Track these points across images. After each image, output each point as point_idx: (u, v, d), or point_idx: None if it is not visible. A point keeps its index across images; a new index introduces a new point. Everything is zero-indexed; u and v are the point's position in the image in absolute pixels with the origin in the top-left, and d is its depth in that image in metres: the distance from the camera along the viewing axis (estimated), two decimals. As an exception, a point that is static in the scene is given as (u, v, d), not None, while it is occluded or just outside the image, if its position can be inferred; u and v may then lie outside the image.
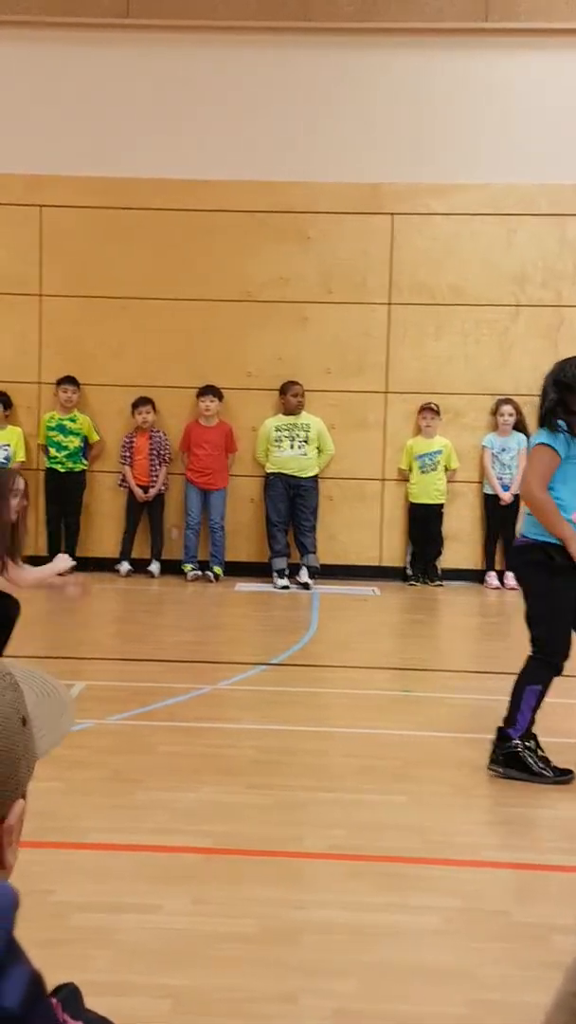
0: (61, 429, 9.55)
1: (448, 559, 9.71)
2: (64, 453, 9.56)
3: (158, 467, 9.62)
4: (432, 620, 8.53)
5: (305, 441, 9.52)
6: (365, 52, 9.55)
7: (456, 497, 9.76)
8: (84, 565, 9.57)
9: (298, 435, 9.51)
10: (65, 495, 9.55)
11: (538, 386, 4.68)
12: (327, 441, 9.61)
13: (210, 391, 9.55)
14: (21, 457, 9.57)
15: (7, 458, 9.50)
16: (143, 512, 9.69)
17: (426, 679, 6.35)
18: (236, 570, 9.63)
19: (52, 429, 9.56)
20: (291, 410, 9.55)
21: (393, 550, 9.78)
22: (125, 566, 9.56)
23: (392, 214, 9.65)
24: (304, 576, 9.34)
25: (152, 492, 9.61)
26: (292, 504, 9.51)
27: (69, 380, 9.55)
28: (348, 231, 9.68)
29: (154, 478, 9.62)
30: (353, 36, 9.54)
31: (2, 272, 9.67)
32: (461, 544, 9.75)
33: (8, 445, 9.57)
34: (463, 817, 4.16)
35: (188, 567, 9.53)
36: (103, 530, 9.81)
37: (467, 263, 9.65)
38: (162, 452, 9.62)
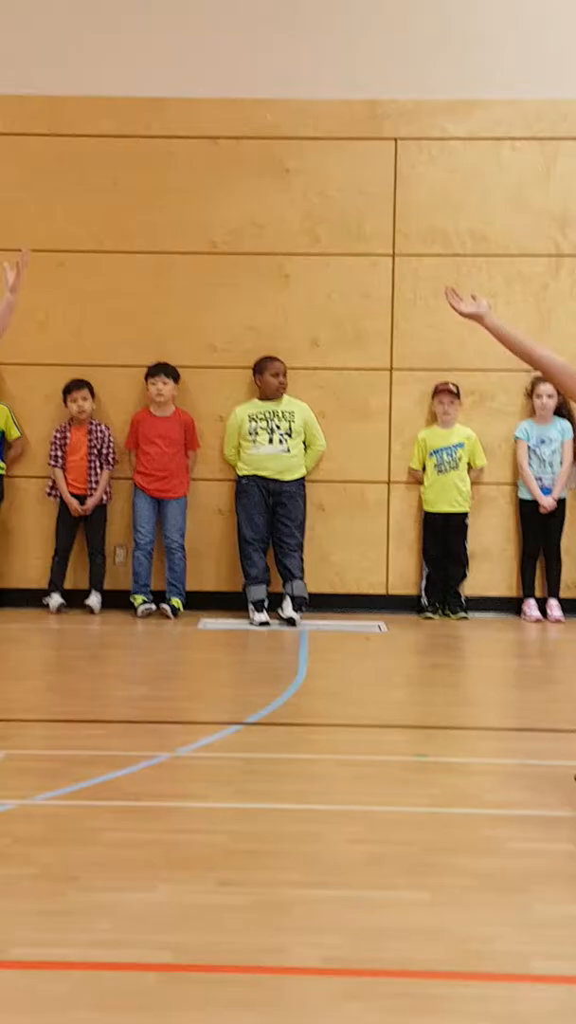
0: None
1: (474, 584, 9.73)
2: None
3: (99, 470, 9.62)
4: (454, 663, 8.53)
5: (288, 434, 9.53)
6: None
7: (483, 504, 9.79)
8: (0, 599, 9.57)
9: (279, 425, 9.53)
10: None
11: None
12: (316, 433, 9.63)
13: (163, 370, 9.56)
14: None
15: None
16: (79, 529, 9.67)
17: (447, 740, 6.33)
18: (200, 602, 9.63)
19: None
20: (269, 394, 9.57)
21: (403, 573, 9.79)
22: (56, 599, 9.54)
23: (395, 139, 9.70)
24: (288, 609, 9.34)
25: (91, 503, 9.61)
26: (272, 516, 9.51)
27: None
28: (339, 162, 9.71)
29: (93, 485, 9.62)
30: None
31: None
32: (491, 564, 9.77)
33: None
34: (499, 918, 4.15)
35: (139, 599, 9.51)
36: (26, 553, 9.79)
37: (493, 201, 9.69)
38: (104, 451, 9.62)
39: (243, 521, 9.54)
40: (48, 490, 9.73)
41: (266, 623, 9.23)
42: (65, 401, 9.65)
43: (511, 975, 3.70)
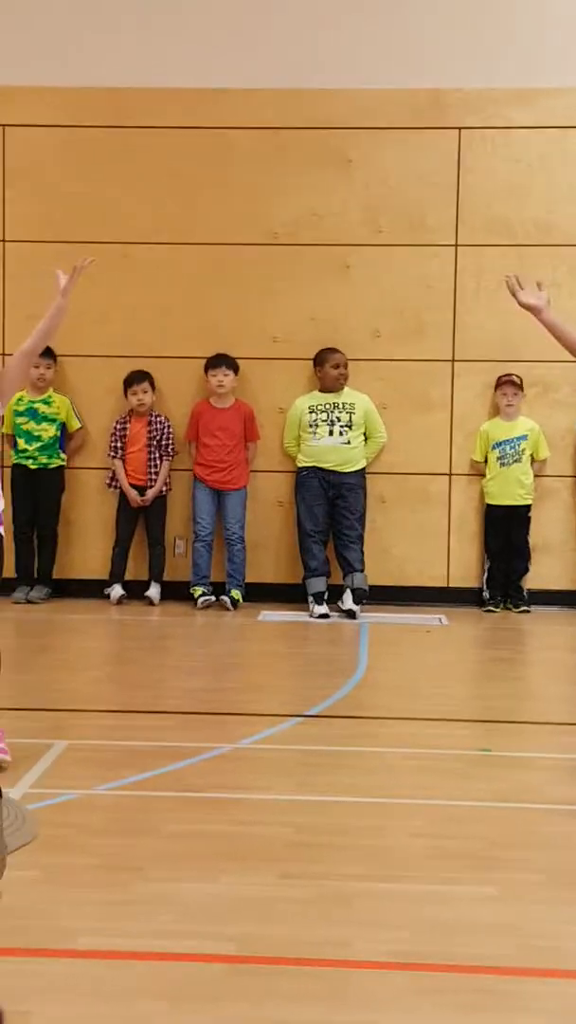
0: (32, 414, 9.59)
1: (536, 577, 9.67)
2: (36, 445, 9.59)
3: (158, 461, 9.64)
4: (517, 656, 8.48)
5: (348, 425, 9.50)
6: None
7: (547, 496, 9.72)
8: (62, 590, 9.63)
9: (339, 417, 9.50)
10: (38, 499, 9.56)
11: None
12: (377, 425, 9.60)
13: (223, 362, 9.56)
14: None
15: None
16: (139, 520, 9.70)
17: (511, 734, 6.31)
18: (260, 594, 9.63)
19: (21, 415, 9.60)
20: (329, 386, 9.55)
21: (465, 566, 9.75)
22: (117, 591, 9.57)
23: (459, 128, 9.65)
24: (348, 602, 9.32)
25: (151, 494, 9.63)
26: (332, 508, 9.50)
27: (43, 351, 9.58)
28: (401, 152, 9.67)
29: (153, 476, 9.64)
30: None
31: (-46, 211, 9.73)
32: (553, 557, 9.71)
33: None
34: (566, 914, 4.12)
35: (198, 591, 9.53)
36: (87, 544, 9.84)
37: (558, 191, 9.63)
38: (163, 442, 9.64)
39: (303, 513, 9.53)
40: (108, 482, 9.76)
41: (326, 615, 9.22)
42: (126, 393, 9.67)
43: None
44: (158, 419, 9.68)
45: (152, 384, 9.67)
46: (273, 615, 9.30)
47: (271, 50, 9.62)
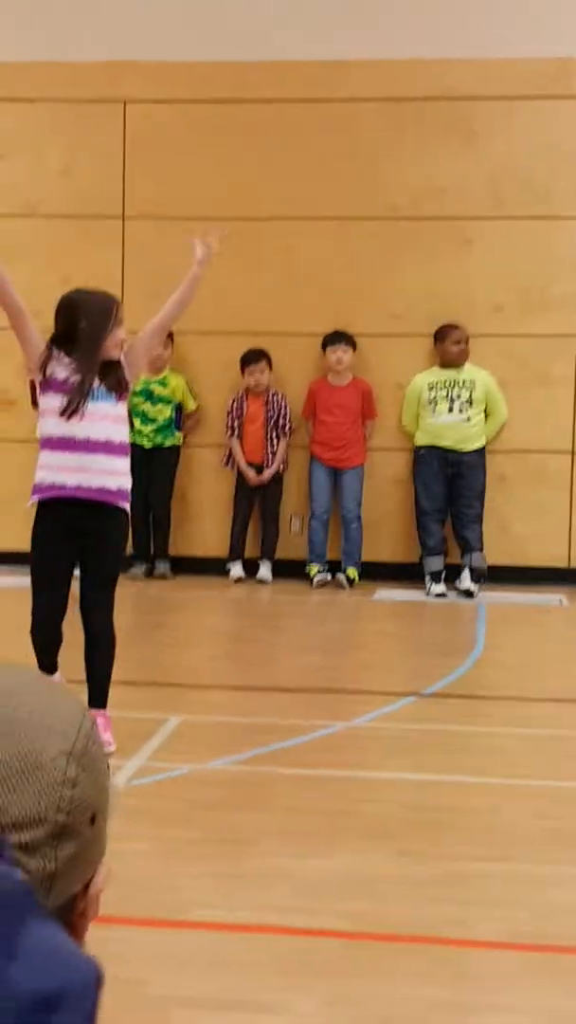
0: (148, 395, 9.63)
1: None
2: (152, 427, 9.64)
3: (276, 440, 9.64)
4: None
5: (469, 402, 9.42)
6: None
7: None
8: (179, 567, 9.69)
9: (459, 395, 9.42)
10: (153, 478, 9.60)
11: None
12: (498, 402, 9.50)
13: (342, 339, 9.54)
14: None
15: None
16: (256, 498, 9.73)
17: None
18: (376, 573, 9.60)
19: (137, 395, 9.62)
20: (450, 361, 9.47)
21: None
22: (237, 569, 9.59)
23: (585, 99, 9.50)
24: (466, 581, 9.26)
25: (268, 474, 9.64)
26: (451, 486, 9.43)
27: None
28: (527, 123, 9.55)
29: (271, 455, 9.65)
30: None
31: (75, 188, 9.81)
32: None
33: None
34: None
35: (314, 569, 9.53)
36: (204, 522, 9.88)
37: None
38: (280, 421, 9.64)
39: (421, 492, 9.47)
40: (224, 460, 9.79)
41: (443, 595, 9.17)
42: (243, 372, 9.68)
43: None
44: (275, 397, 9.67)
45: (269, 363, 9.65)
46: (389, 594, 9.27)
47: (394, 20, 9.54)
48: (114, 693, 5.48)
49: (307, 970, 3.49)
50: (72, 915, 1.26)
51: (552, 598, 9.17)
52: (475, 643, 7.78)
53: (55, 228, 9.81)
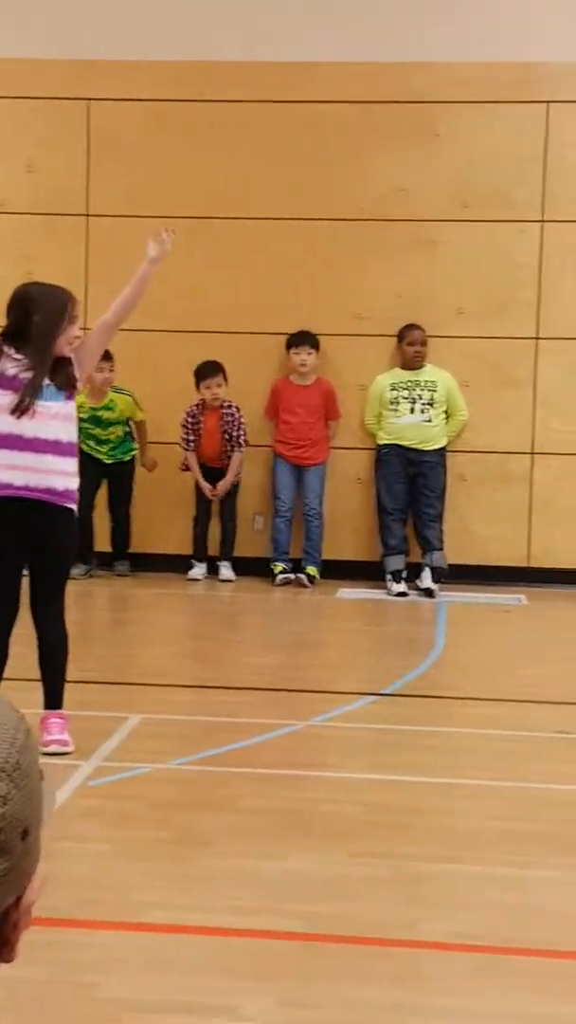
0: (96, 422, 9.38)
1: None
2: (107, 447, 9.51)
3: (231, 452, 9.52)
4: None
5: (430, 403, 9.43)
6: None
7: None
8: (141, 565, 9.64)
9: (420, 396, 9.43)
10: (113, 482, 9.51)
11: None
12: (459, 403, 9.51)
13: (306, 340, 9.51)
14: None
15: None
16: (215, 500, 9.62)
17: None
18: (339, 572, 9.60)
19: (85, 422, 8.84)
20: (407, 363, 9.46)
21: (547, 547, 9.65)
22: (198, 571, 9.53)
23: (548, 103, 9.51)
24: (427, 580, 9.27)
25: (221, 487, 9.49)
26: (412, 486, 9.44)
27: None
28: (491, 126, 9.56)
29: (227, 463, 9.52)
30: None
31: (40, 185, 9.76)
32: None
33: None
34: None
35: (278, 567, 9.48)
36: (165, 519, 9.83)
37: None
38: (235, 434, 9.48)
39: (383, 491, 9.48)
40: (182, 466, 9.62)
41: (404, 594, 9.18)
42: (198, 386, 9.39)
43: None
44: (229, 411, 9.49)
45: (225, 376, 9.46)
46: (351, 593, 9.27)
47: (360, 23, 9.53)
48: (73, 692, 5.46)
49: (260, 972, 3.48)
50: (4, 927, 1.25)
51: (512, 598, 9.19)
52: (435, 643, 7.79)
53: (20, 225, 9.77)
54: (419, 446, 9.42)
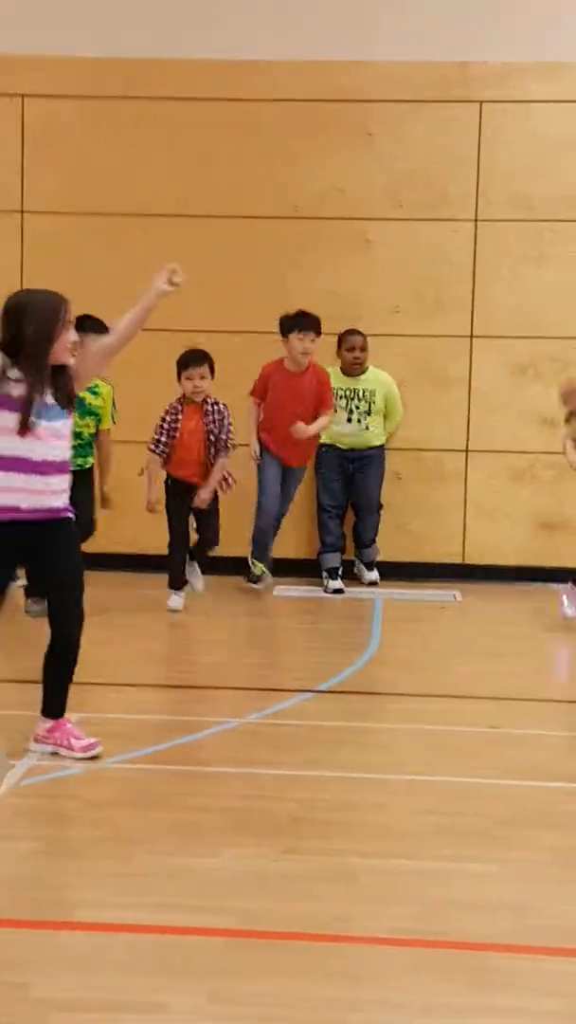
0: (79, 405, 8.38)
1: (552, 553, 9.61)
2: (75, 442, 8.54)
3: (213, 456, 8.40)
4: (534, 633, 8.41)
5: (367, 412, 9.40)
6: None
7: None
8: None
9: (358, 406, 9.37)
10: (77, 494, 8.57)
11: None
12: (396, 407, 9.49)
13: (312, 325, 8.77)
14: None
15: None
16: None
17: (521, 711, 6.29)
18: (276, 569, 9.58)
19: None
20: (348, 369, 9.39)
21: (482, 544, 9.70)
22: (179, 600, 8.48)
23: (481, 102, 9.56)
24: (367, 574, 9.34)
25: (206, 495, 8.39)
26: (350, 483, 9.44)
27: (85, 322, 7.73)
28: (423, 126, 9.60)
29: (205, 473, 8.41)
30: None
31: (-27, 182, 9.70)
32: (566, 535, 9.64)
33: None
34: (570, 893, 4.10)
35: (258, 567, 9.08)
36: (124, 517, 9.24)
37: (580, 166, 9.53)
38: (220, 436, 8.36)
39: (321, 489, 9.49)
40: (141, 471, 8.47)
41: (340, 591, 9.18)
42: (179, 377, 8.31)
43: (580, 951, 3.66)
44: (216, 407, 8.35)
45: (212, 368, 8.31)
46: (288, 591, 9.27)
47: (294, 22, 9.53)
48: (9, 691, 5.43)
49: (192, 969, 3.47)
50: None
51: (447, 594, 9.23)
52: (371, 639, 7.80)
53: (-46, 223, 9.69)
54: (356, 446, 9.43)
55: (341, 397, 9.35)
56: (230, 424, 8.43)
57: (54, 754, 5.22)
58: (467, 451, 9.71)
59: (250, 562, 9.08)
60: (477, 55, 9.50)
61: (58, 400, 5.09)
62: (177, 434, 8.33)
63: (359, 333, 9.39)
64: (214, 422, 8.35)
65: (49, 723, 5.30)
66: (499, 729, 5.89)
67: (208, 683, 6.68)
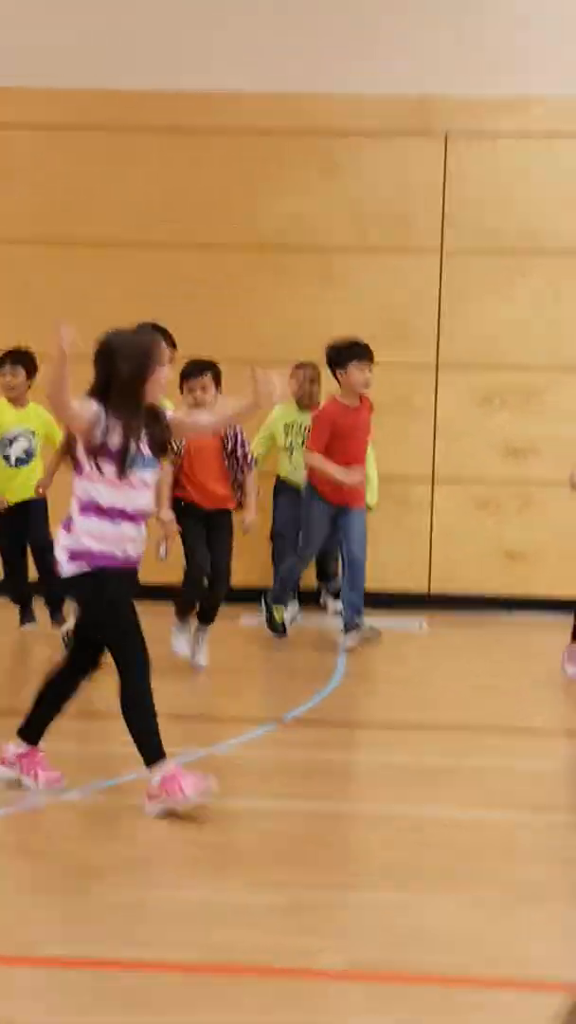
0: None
1: (518, 582, 9.63)
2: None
3: (241, 474, 7.64)
4: (499, 663, 8.41)
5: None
6: None
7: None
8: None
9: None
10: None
11: None
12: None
13: (367, 354, 8.28)
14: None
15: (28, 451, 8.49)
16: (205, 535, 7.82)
17: (486, 742, 6.28)
18: (241, 597, 9.54)
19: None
20: (297, 401, 9.09)
21: (447, 573, 9.71)
22: (184, 643, 7.86)
23: (445, 135, 9.62)
24: (334, 604, 9.31)
25: (250, 517, 7.81)
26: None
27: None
28: (388, 158, 9.65)
29: (238, 491, 7.68)
30: None
31: None
32: (531, 564, 9.66)
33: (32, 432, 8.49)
34: (534, 927, 4.09)
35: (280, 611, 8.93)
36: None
37: (545, 198, 9.60)
38: (240, 451, 7.58)
39: (278, 519, 9.41)
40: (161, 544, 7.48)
41: (293, 619, 9.01)
42: (181, 388, 7.48)
43: (542, 983, 3.64)
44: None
45: (217, 379, 7.48)
46: (253, 620, 9.23)
47: (258, 54, 9.58)
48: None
49: (151, 1004, 3.44)
50: None
51: (412, 623, 9.22)
52: (335, 669, 7.78)
53: None
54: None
55: (296, 435, 9.04)
56: (244, 437, 7.62)
57: (16, 782, 5.17)
58: (432, 481, 9.73)
59: (270, 607, 8.67)
60: (442, 88, 9.56)
61: (153, 450, 5.02)
62: (183, 451, 7.43)
63: (307, 365, 9.02)
64: (226, 436, 7.47)
65: (23, 747, 5.25)
66: (464, 760, 5.87)
67: (173, 712, 6.63)
